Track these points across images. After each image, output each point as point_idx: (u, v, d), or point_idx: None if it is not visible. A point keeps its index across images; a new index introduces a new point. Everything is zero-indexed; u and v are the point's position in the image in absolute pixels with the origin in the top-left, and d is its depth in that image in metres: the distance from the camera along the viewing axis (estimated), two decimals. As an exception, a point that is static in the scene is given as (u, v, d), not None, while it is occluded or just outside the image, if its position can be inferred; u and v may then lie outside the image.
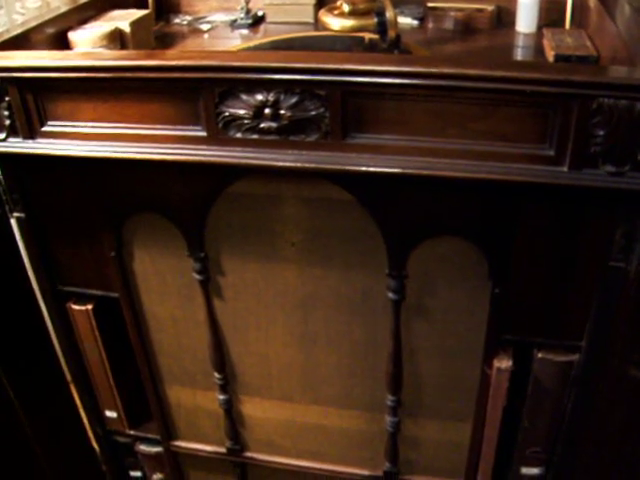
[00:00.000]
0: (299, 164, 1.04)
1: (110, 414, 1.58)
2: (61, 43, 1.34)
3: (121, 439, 1.65)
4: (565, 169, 0.96)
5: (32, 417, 1.55)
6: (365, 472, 1.49)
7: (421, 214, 1.10)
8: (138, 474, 1.72)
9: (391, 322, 1.23)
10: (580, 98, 0.91)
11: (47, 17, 1.33)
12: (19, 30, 1.24)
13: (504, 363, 1.22)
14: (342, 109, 0.99)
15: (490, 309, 1.17)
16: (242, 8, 1.68)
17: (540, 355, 1.20)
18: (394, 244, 1.14)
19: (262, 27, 1.68)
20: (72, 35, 1.34)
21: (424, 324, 1.23)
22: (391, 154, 1.01)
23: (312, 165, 1.03)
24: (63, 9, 1.39)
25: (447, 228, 1.11)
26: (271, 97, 1.00)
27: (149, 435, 1.61)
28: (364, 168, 1.02)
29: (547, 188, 1.00)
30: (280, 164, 1.04)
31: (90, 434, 1.69)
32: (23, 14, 1.69)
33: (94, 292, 1.38)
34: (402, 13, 1.60)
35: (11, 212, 1.29)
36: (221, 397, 1.45)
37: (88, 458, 1.76)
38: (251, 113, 1.02)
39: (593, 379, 1.20)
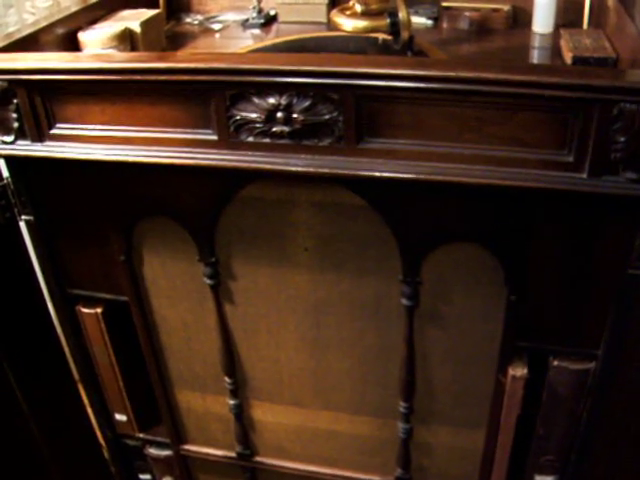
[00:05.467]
0: (312, 169, 1.02)
1: (120, 417, 1.58)
2: (71, 43, 1.33)
3: (131, 442, 1.64)
4: (584, 176, 0.94)
5: (40, 419, 1.54)
6: (376, 478, 1.48)
7: (436, 220, 1.08)
8: (147, 477, 1.71)
9: (404, 328, 1.21)
10: (601, 103, 0.88)
11: (57, 17, 1.32)
12: (28, 31, 1.23)
13: (519, 371, 1.20)
14: (356, 113, 0.97)
15: (505, 316, 1.15)
16: (254, 7, 1.66)
17: (556, 363, 1.18)
18: (408, 250, 1.12)
19: (274, 27, 1.66)
20: (82, 35, 1.33)
21: (438, 331, 1.21)
22: (405, 159, 0.99)
23: (325, 170, 1.02)
24: (73, 9, 1.38)
25: (462, 234, 1.09)
26: (283, 100, 0.98)
27: (159, 438, 1.60)
28: (378, 173, 1.00)
29: (565, 194, 0.98)
30: (292, 169, 1.03)
31: (99, 437, 1.68)
32: (33, 13, 1.68)
33: (103, 295, 1.37)
34: (416, 13, 1.58)
35: (20, 215, 1.28)
36: (231, 402, 1.44)
37: (97, 460, 1.75)
38: (263, 117, 1.00)
39: (609, 388, 1.19)
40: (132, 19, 1.40)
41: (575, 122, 0.91)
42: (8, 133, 1.13)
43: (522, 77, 0.89)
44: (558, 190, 0.96)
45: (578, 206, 1.02)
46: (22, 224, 1.30)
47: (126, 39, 1.36)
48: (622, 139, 0.90)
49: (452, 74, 0.91)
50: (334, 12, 1.44)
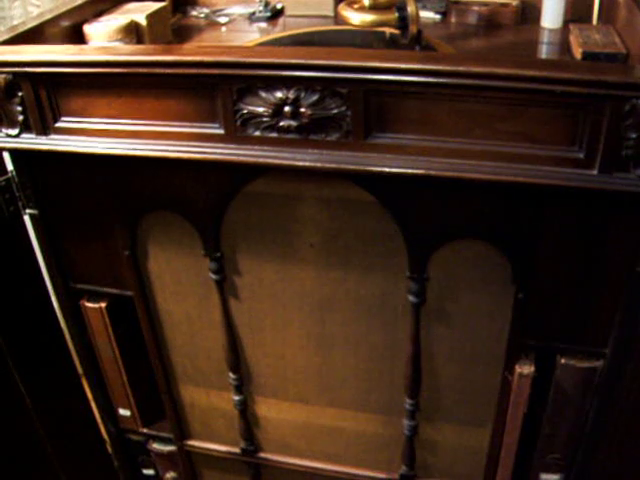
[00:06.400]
0: (319, 164, 1.01)
1: (123, 412, 1.57)
2: (76, 36, 1.32)
3: (134, 437, 1.63)
4: (595, 172, 0.93)
5: (44, 414, 1.54)
6: (381, 475, 1.47)
7: (444, 216, 1.07)
8: (151, 472, 1.71)
9: (410, 325, 1.21)
10: (613, 99, 0.87)
11: (62, 10, 1.30)
12: (33, 23, 1.22)
13: (526, 369, 1.19)
14: (364, 108, 0.96)
15: (513, 314, 1.14)
16: (261, 1, 1.65)
17: (563, 361, 1.17)
18: (415, 246, 1.11)
19: (281, 20, 1.65)
20: (87, 28, 1.32)
21: (444, 328, 1.21)
22: (414, 155, 0.98)
23: (333, 165, 1.01)
24: (79, 1, 1.36)
25: (470, 231, 1.08)
26: (291, 95, 0.97)
27: (162, 434, 1.60)
28: (386, 169, 0.99)
29: (574, 191, 0.97)
30: (300, 164, 1.02)
31: (103, 431, 1.67)
32: (38, 6, 1.67)
33: (108, 290, 1.36)
34: (424, 7, 1.57)
35: (24, 209, 1.28)
36: (236, 398, 1.43)
37: (100, 455, 1.75)
38: (270, 111, 0.99)
39: (616, 386, 1.18)
40: (138, 12, 1.39)
41: (586, 118, 0.90)
42: (13, 126, 1.12)
43: (533, 72, 0.88)
44: (568, 187, 0.95)
45: (588, 203, 1.01)
46: (26, 218, 1.30)
47: (132, 32, 1.35)
48: (633, 136, 0.89)
49: (462, 69, 0.90)
50: (341, 6, 1.42)
